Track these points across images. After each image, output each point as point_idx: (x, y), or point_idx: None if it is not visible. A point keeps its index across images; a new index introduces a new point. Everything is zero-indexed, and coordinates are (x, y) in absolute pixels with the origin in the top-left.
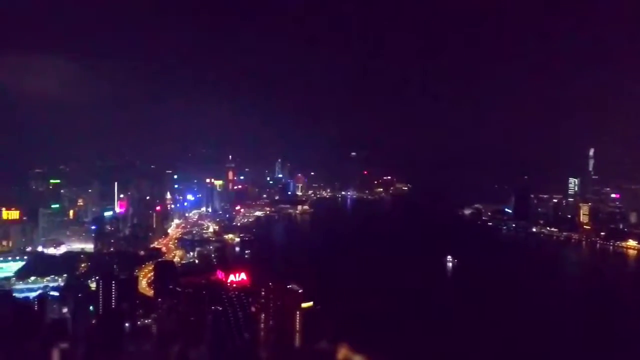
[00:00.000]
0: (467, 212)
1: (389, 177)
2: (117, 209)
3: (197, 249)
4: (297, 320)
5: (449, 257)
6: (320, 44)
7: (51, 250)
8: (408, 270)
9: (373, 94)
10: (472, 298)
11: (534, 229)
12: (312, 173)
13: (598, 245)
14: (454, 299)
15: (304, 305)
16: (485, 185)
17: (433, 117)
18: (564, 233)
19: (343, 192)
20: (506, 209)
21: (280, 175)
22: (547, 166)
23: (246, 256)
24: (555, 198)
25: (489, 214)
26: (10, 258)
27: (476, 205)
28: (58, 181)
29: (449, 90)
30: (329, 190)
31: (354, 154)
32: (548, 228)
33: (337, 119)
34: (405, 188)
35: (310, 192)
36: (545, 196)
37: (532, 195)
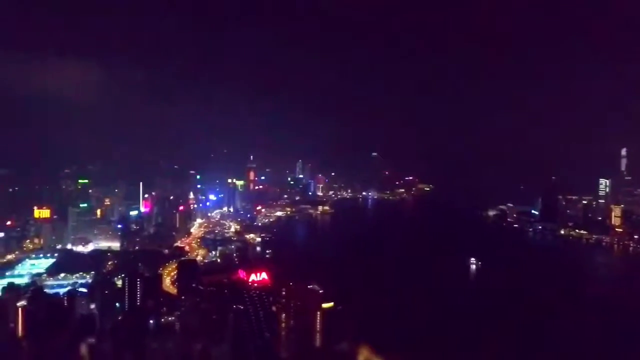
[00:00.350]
0: (491, 213)
1: (411, 178)
2: (142, 209)
3: (219, 248)
4: (318, 321)
5: (472, 260)
6: (340, 45)
7: (80, 248)
8: (430, 272)
9: (394, 93)
10: (495, 301)
11: (562, 232)
12: (333, 174)
13: (631, 248)
14: (477, 301)
15: (324, 305)
16: (510, 185)
17: (456, 117)
18: (594, 236)
19: (364, 193)
20: (532, 211)
21: (301, 176)
22: (575, 166)
23: (267, 256)
24: (584, 199)
25: (514, 215)
26: (41, 255)
27: (500, 207)
28: (86, 181)
29: (472, 89)
30: (349, 191)
31: (374, 154)
32: (577, 230)
33: (358, 119)
34: (428, 189)
35: (330, 192)
36: (574, 197)
37: (560, 196)
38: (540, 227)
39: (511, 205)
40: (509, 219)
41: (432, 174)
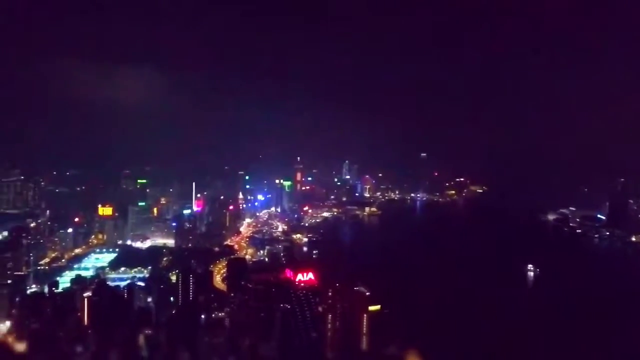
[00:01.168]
0: (551, 217)
1: (462, 179)
2: (195, 208)
3: (267, 247)
4: (364, 323)
5: (530, 266)
6: (388, 44)
7: (138, 244)
8: (482, 277)
9: (446, 90)
10: (553, 311)
11: (634, 238)
12: (380, 174)
13: None
14: (532, 309)
15: (371, 308)
16: (572, 187)
17: (512, 113)
18: None
19: (412, 194)
20: (598, 215)
21: (348, 177)
22: None
23: (314, 256)
24: None
25: (577, 220)
26: (104, 250)
27: (562, 210)
28: (144, 181)
29: (530, 84)
30: (397, 192)
31: (423, 154)
32: None
33: (407, 118)
34: (480, 190)
35: (378, 193)
36: None
37: (631, 200)
38: (607, 233)
39: (574, 209)
40: (571, 224)
41: (486, 174)
